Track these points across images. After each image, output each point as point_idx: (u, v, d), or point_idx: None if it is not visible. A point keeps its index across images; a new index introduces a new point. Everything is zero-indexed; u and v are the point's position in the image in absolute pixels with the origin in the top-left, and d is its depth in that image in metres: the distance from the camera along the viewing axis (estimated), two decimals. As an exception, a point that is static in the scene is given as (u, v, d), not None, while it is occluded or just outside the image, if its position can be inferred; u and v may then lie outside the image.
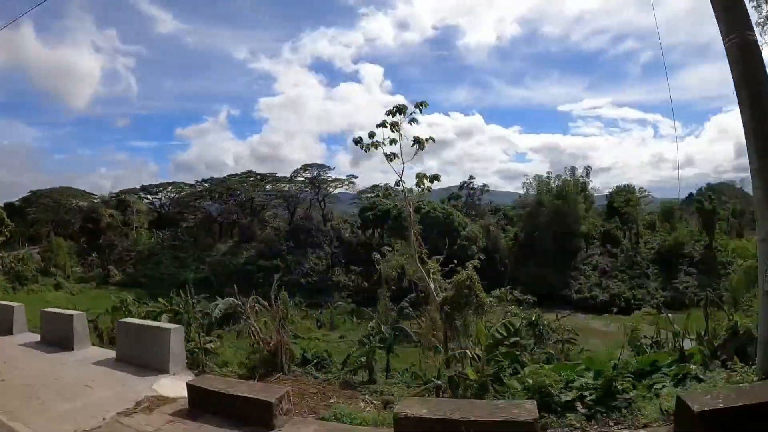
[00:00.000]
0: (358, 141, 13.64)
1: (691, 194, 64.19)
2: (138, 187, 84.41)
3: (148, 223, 77.16)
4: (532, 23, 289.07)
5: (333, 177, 75.14)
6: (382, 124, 13.18)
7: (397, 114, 13.11)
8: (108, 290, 59.34)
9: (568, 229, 55.73)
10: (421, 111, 13.29)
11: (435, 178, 13.70)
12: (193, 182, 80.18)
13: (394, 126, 13.15)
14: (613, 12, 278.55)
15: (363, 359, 12.80)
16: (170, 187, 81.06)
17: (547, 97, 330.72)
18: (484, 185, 75.22)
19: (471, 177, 75.11)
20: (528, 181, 64.57)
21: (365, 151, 13.45)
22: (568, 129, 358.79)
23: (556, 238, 54.57)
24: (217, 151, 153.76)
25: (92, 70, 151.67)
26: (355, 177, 77.85)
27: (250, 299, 14.41)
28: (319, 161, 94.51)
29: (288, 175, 76.17)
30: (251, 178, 75.75)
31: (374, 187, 78.04)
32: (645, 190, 69.76)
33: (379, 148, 13.32)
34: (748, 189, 8.96)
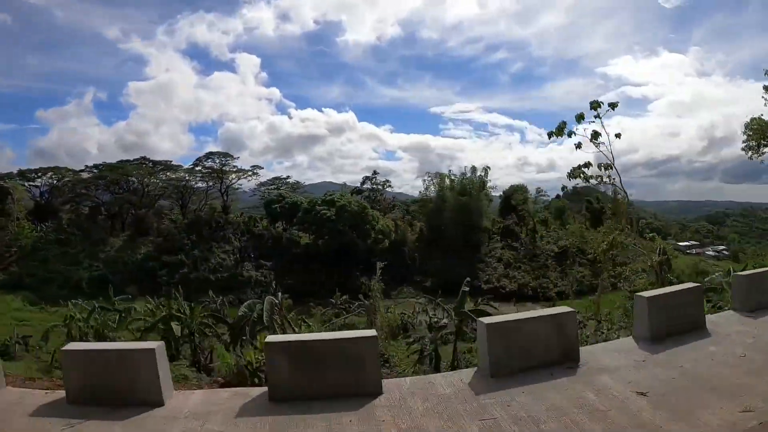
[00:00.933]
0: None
1: (558, 195, 71.99)
2: (15, 171, 73.44)
3: (25, 214, 68.14)
4: (411, 26, 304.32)
5: (237, 167, 71.89)
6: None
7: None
8: None
9: (472, 223, 59.40)
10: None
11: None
12: (81, 168, 71.95)
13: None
14: (490, 22, 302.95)
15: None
16: (50, 173, 71.91)
17: (419, 99, 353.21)
18: (387, 181, 76.47)
19: (375, 172, 76.09)
20: (429, 178, 66.31)
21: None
22: (439, 130, 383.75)
23: (461, 233, 57.88)
24: (79, 137, 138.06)
25: None
26: (260, 168, 75.36)
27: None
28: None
29: (180, 164, 72.25)
30: (144, 165, 70.01)
31: (276, 179, 77.60)
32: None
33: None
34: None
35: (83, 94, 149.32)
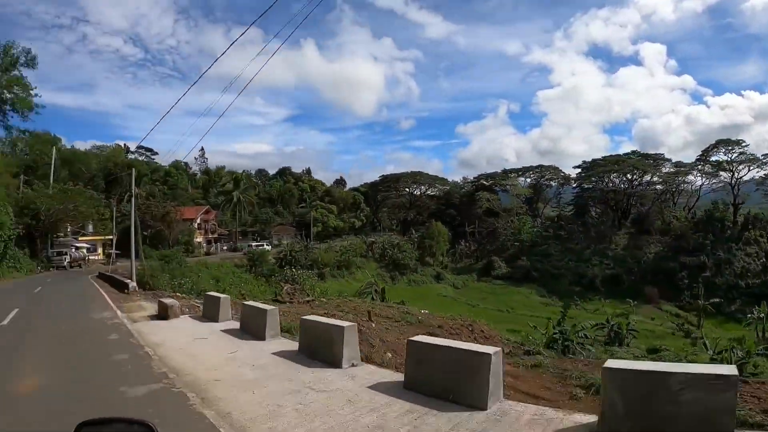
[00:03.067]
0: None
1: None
2: (499, 171, 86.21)
3: (525, 210, 75.92)
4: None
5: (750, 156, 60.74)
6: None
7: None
8: (492, 284, 56.56)
9: None
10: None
11: None
12: (577, 164, 76.22)
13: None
14: None
15: None
16: (530, 172, 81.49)
17: None
18: None
19: None
20: None
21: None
22: None
23: None
24: (497, 145, 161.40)
25: (374, 78, 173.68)
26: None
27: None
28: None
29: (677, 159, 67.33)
30: (638, 159, 67.92)
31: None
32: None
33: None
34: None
35: (497, 108, 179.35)
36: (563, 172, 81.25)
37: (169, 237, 55.14)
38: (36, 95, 43.77)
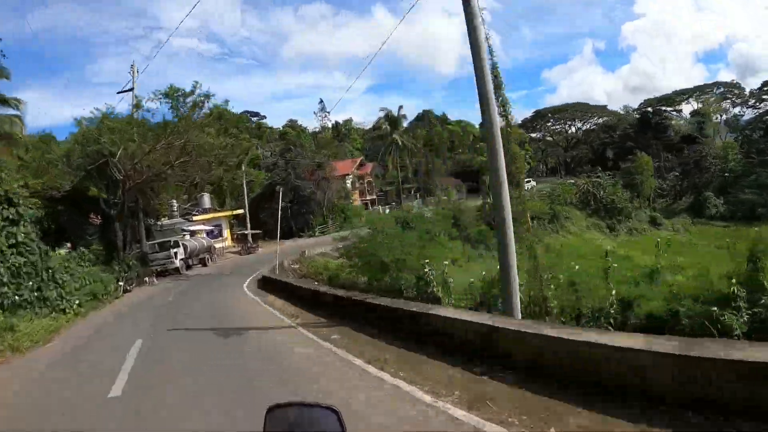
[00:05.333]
0: None
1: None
2: (670, 92, 76.94)
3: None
4: None
5: None
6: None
7: None
8: (713, 226, 46.30)
9: None
10: None
11: None
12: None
13: None
14: None
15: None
16: (705, 92, 72.75)
17: None
18: None
19: None
20: None
21: None
22: None
23: None
24: (586, 87, 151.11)
25: (451, 35, 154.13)
26: None
27: None
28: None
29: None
30: None
31: None
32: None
33: None
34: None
35: (581, 48, 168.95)
36: (745, 90, 68.05)
37: (323, 202, 42.15)
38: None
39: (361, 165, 57.17)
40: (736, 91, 70.63)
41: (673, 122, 70.25)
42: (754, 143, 60.02)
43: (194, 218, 34.93)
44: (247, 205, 36.48)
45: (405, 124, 62.58)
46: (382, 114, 58.57)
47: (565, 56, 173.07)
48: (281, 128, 68.90)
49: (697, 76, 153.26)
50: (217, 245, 34.18)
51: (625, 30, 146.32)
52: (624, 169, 54.44)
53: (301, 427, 1.44)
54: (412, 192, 60.55)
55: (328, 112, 76.80)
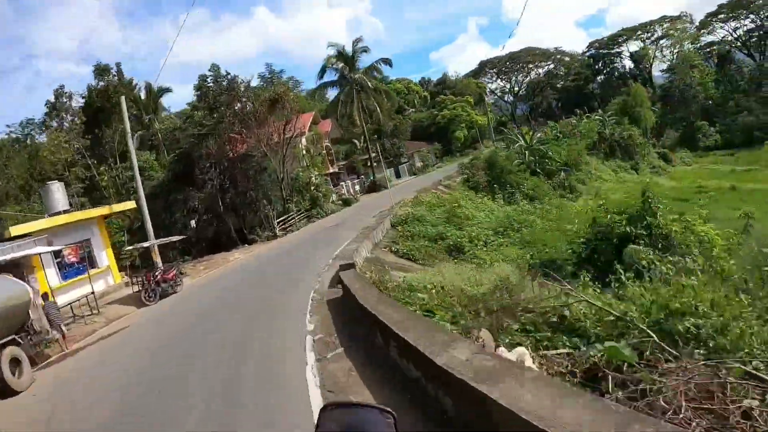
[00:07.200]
0: None
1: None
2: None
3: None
4: None
5: None
6: None
7: None
8: (716, 155, 43.39)
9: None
10: None
11: None
12: None
13: None
14: None
15: None
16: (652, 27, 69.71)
17: None
18: None
19: None
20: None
21: None
22: None
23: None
24: (474, 65, 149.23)
25: (335, 25, 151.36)
26: None
27: None
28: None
29: None
30: None
31: None
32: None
33: None
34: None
35: (465, 28, 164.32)
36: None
37: (281, 171, 28.16)
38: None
39: (315, 123, 40.26)
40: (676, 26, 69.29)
41: (616, 64, 72.27)
42: (728, 73, 59.05)
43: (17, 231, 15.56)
44: (143, 196, 19.39)
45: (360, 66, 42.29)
46: (331, 52, 41.60)
47: (451, 38, 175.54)
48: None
49: (580, 38, 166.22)
50: (77, 292, 15.89)
51: (507, 3, 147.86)
52: (618, 104, 49.76)
53: (354, 428, 1.33)
54: (378, 162, 44.10)
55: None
